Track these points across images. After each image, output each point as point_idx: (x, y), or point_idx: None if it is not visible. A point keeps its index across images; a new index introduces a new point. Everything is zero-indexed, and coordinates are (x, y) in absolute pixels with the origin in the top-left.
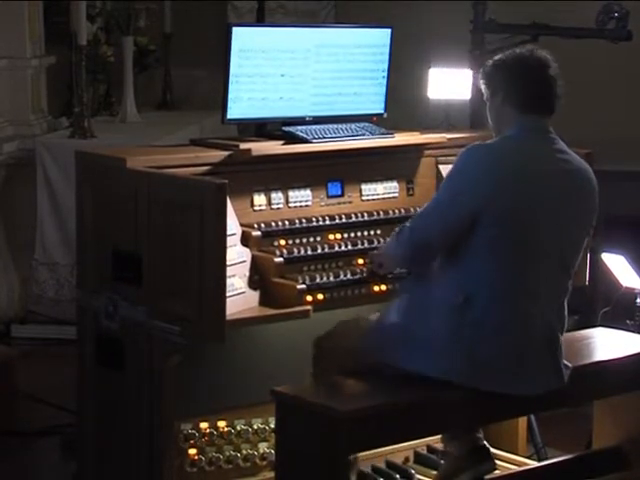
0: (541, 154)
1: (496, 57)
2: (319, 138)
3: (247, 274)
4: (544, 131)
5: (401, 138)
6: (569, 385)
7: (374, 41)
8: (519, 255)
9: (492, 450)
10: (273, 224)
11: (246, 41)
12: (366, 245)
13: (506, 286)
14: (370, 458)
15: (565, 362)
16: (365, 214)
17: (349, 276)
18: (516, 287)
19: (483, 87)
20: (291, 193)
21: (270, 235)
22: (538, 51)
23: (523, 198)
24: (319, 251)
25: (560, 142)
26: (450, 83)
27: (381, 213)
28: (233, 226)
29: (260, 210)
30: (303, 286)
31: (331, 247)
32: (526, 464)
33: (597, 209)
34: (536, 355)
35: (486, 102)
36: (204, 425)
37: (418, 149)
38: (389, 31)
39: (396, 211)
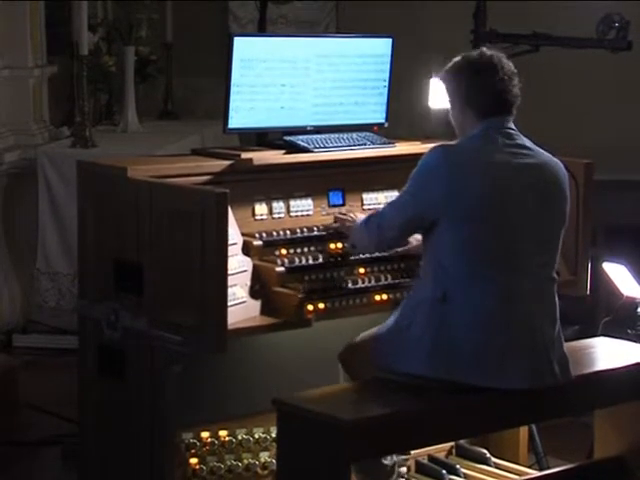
0: (501, 150)
1: (449, 65)
2: (320, 147)
3: (248, 283)
4: (505, 129)
5: (402, 147)
6: (570, 394)
7: (375, 51)
8: (492, 252)
9: (494, 459)
10: (274, 233)
11: (247, 51)
12: (367, 255)
13: (481, 282)
14: None
15: (561, 357)
16: None
17: (350, 285)
18: (492, 282)
19: (445, 94)
20: (292, 202)
21: (271, 244)
22: (488, 52)
23: (486, 195)
24: (320, 260)
25: (522, 138)
26: None
27: None
28: (234, 235)
29: (261, 219)
30: (304, 295)
31: (332, 256)
32: (527, 473)
33: (568, 199)
34: (519, 349)
35: (449, 109)
36: (205, 434)
37: (419, 159)
38: (390, 41)
39: None
